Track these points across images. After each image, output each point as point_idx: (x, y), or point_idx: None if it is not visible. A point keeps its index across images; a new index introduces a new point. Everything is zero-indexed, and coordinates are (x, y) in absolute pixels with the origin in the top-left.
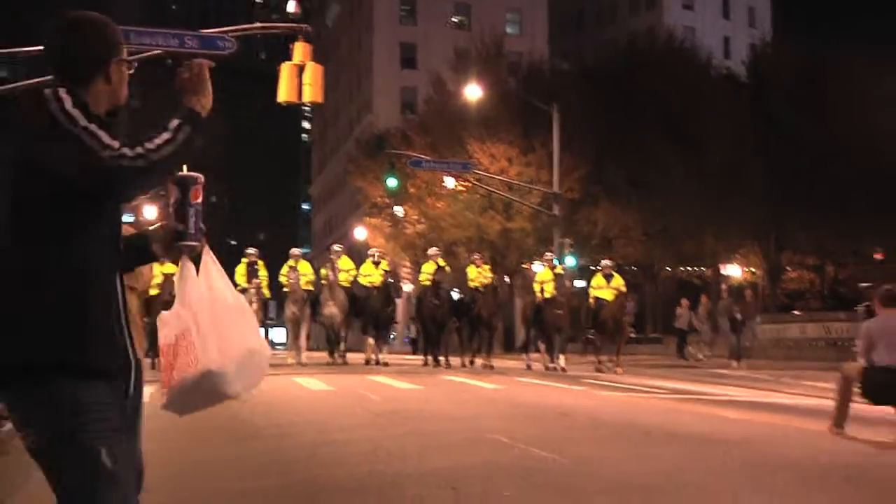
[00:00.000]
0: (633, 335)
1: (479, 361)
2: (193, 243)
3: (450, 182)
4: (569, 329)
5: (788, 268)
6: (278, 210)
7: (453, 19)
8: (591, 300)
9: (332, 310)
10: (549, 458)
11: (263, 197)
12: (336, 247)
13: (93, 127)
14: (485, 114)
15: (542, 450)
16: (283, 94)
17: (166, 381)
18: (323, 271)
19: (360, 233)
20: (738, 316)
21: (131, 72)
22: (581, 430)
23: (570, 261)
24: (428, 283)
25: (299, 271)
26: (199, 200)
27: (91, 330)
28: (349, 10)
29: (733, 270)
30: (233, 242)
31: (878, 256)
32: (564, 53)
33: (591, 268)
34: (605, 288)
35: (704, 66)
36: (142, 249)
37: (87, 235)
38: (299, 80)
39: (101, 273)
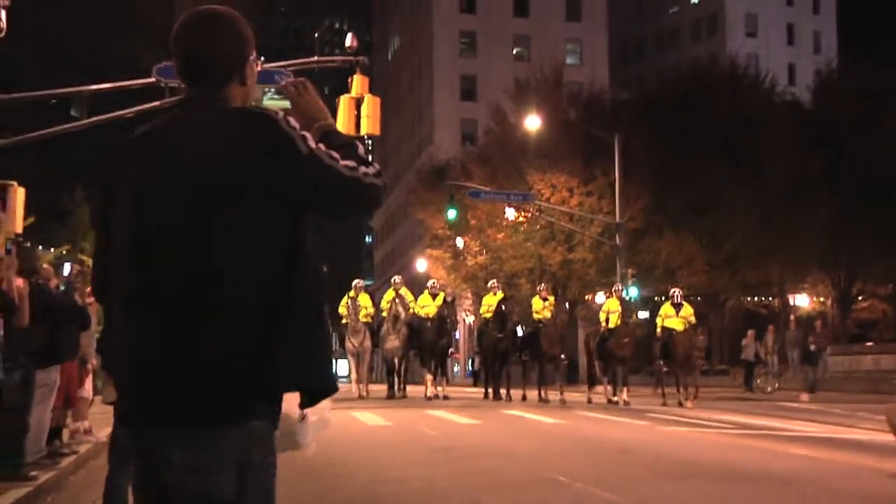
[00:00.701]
0: (703, 368)
1: (547, 395)
2: None
3: (510, 213)
4: (632, 360)
5: (859, 297)
6: (341, 242)
7: (513, 51)
8: (658, 330)
9: (394, 343)
10: (610, 498)
11: (327, 229)
12: (396, 278)
13: (322, 146)
14: (545, 144)
15: (602, 489)
16: (341, 126)
17: None
18: (384, 304)
19: (421, 265)
20: (813, 347)
21: (260, 69)
22: (643, 468)
23: (634, 291)
24: (489, 315)
25: (360, 303)
26: None
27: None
28: (410, 43)
29: (801, 300)
30: None
31: None
32: (625, 82)
33: (655, 298)
34: (674, 317)
35: (768, 92)
36: None
37: (310, 262)
38: (357, 112)
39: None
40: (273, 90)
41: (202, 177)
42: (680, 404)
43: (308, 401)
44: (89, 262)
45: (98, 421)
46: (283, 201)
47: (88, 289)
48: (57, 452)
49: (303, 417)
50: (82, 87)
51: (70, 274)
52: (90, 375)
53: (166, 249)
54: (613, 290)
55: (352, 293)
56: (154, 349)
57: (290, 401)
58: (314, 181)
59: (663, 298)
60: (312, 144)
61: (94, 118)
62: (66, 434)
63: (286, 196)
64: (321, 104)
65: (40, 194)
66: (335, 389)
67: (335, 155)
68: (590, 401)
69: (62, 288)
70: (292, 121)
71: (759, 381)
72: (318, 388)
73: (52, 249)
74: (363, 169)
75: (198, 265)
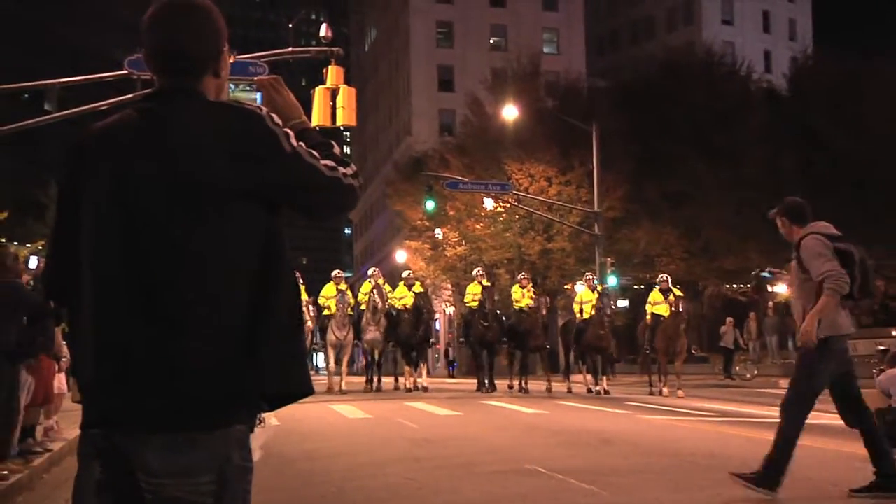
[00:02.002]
0: (695, 352)
1: (528, 385)
2: None
3: (489, 203)
4: (613, 349)
5: None
6: (321, 235)
7: (490, 41)
8: (648, 318)
9: (374, 335)
10: (588, 489)
11: (305, 222)
12: (373, 270)
13: (303, 145)
14: (522, 134)
15: (581, 481)
16: (317, 117)
17: None
18: (363, 296)
19: (400, 256)
20: None
21: (232, 61)
22: (622, 458)
23: (612, 280)
24: (475, 304)
25: (347, 295)
26: None
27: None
28: (386, 34)
29: (779, 287)
30: None
31: None
32: (602, 71)
33: (634, 287)
34: (662, 304)
35: (744, 80)
36: None
37: (290, 263)
38: (333, 103)
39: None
40: (244, 84)
41: (187, 173)
42: (660, 392)
43: (282, 403)
44: None
45: (68, 417)
46: (266, 200)
47: None
48: (29, 451)
49: (261, 421)
50: (53, 80)
51: (37, 268)
52: (63, 372)
53: (148, 248)
54: (585, 279)
55: (342, 286)
56: (136, 352)
57: None
58: (297, 180)
59: (643, 287)
60: (294, 143)
61: (67, 111)
62: (39, 431)
63: (269, 194)
64: (295, 102)
65: (14, 189)
66: (312, 391)
67: (316, 154)
68: (570, 390)
69: (31, 283)
70: (276, 118)
71: (738, 367)
72: (299, 390)
73: (28, 245)
74: (342, 169)
75: (182, 264)
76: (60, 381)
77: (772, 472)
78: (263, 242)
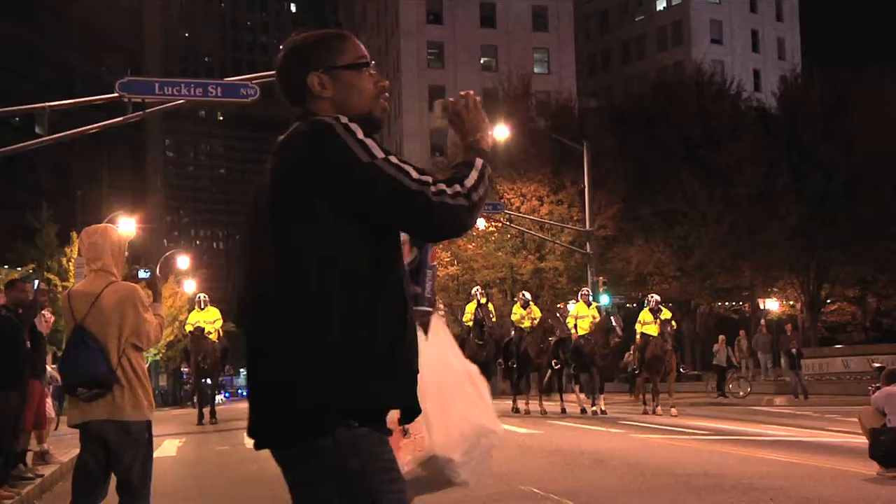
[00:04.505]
0: (682, 370)
1: (528, 406)
2: (428, 309)
3: (481, 223)
4: (606, 367)
5: (828, 300)
6: None
7: (481, 61)
8: (637, 337)
9: None
10: None
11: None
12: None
13: (394, 158)
14: (514, 153)
15: (577, 501)
16: None
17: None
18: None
19: None
20: (794, 351)
21: (385, 84)
22: (617, 478)
23: (605, 299)
24: (470, 323)
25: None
26: (435, 263)
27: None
28: (377, 55)
29: (771, 304)
30: None
31: None
32: (593, 91)
33: (627, 305)
34: (651, 324)
35: (734, 99)
36: None
37: (394, 277)
38: None
39: (410, 317)
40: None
41: (279, 192)
42: (653, 411)
43: (404, 418)
44: (56, 280)
45: (60, 442)
46: (351, 211)
47: (50, 310)
48: (21, 477)
49: (405, 432)
50: (45, 104)
51: (35, 293)
52: (50, 396)
53: (255, 266)
54: (581, 294)
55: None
56: (251, 367)
57: (443, 443)
58: (373, 190)
59: (635, 305)
60: (379, 153)
61: (58, 134)
62: (29, 457)
63: (350, 205)
64: (483, 122)
65: (5, 213)
66: (418, 410)
67: (407, 168)
68: (563, 410)
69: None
70: (351, 126)
71: (731, 385)
72: (401, 405)
73: (19, 269)
74: (447, 187)
75: (278, 280)
76: (48, 407)
77: None
78: (362, 253)
